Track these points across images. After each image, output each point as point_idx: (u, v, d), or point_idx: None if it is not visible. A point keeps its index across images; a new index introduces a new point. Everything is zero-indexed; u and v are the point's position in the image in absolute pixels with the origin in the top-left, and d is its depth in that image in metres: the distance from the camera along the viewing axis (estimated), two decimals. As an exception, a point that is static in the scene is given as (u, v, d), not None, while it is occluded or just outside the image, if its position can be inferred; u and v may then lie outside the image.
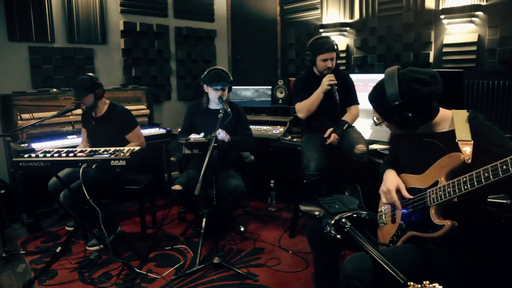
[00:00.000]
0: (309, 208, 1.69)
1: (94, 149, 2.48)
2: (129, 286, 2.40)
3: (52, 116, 2.95)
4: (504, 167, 1.21)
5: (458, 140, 1.44)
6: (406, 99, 1.46)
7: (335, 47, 2.80)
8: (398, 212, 1.63)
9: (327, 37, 2.90)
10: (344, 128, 2.78)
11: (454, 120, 1.51)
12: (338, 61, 2.92)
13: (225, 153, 2.83)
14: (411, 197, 1.56)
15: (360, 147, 2.63)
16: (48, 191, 2.88)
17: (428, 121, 1.54)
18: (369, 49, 3.93)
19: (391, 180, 1.64)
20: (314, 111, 2.87)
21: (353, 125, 2.91)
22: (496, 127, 1.46)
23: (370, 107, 1.70)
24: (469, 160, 1.39)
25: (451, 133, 1.48)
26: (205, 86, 2.96)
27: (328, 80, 2.75)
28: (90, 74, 2.91)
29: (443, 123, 1.55)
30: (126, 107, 3.05)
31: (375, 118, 1.65)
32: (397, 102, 1.47)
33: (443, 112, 1.56)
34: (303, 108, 2.91)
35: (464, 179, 1.34)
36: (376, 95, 1.60)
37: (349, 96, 2.93)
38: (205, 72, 2.98)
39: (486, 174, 1.26)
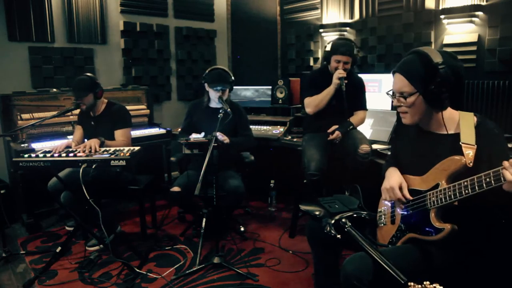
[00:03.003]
0: (309, 207, 1.69)
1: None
2: (129, 286, 2.40)
3: (52, 116, 2.94)
4: None
5: (462, 143, 1.43)
6: (449, 66, 1.44)
7: (352, 52, 2.76)
8: (398, 213, 1.62)
9: (350, 41, 2.85)
10: (349, 129, 2.78)
11: (460, 122, 1.49)
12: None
13: (225, 153, 2.83)
14: (411, 198, 1.56)
15: (364, 147, 2.63)
16: (48, 191, 2.88)
17: (445, 106, 1.49)
18: (369, 49, 3.93)
19: (394, 177, 1.64)
20: (322, 108, 2.84)
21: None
22: (502, 136, 1.45)
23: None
24: (471, 164, 1.38)
25: (456, 137, 1.47)
26: (206, 85, 2.97)
27: (338, 74, 2.73)
28: (89, 74, 2.92)
29: (449, 124, 1.52)
30: (126, 107, 3.05)
31: (391, 92, 1.57)
32: (443, 66, 1.42)
33: (451, 112, 1.54)
34: (311, 103, 2.87)
35: (465, 183, 1.33)
36: (416, 62, 1.49)
37: (358, 100, 2.92)
38: (207, 71, 2.99)
39: (487, 179, 1.25)
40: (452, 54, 1.52)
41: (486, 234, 1.55)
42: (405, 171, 1.65)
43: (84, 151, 2.48)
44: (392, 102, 1.59)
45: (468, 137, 1.44)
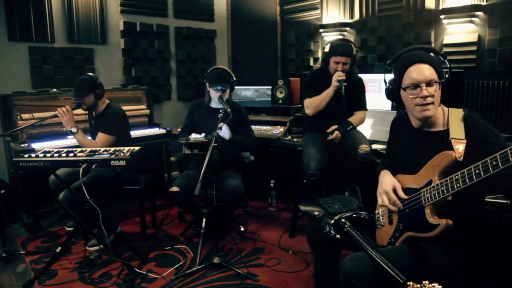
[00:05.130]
0: (309, 208, 1.69)
1: (94, 149, 2.48)
2: (129, 286, 2.40)
3: (52, 116, 2.95)
4: (494, 163, 1.21)
5: (451, 138, 1.45)
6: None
7: (351, 52, 2.75)
8: (395, 214, 1.63)
9: (348, 42, 2.84)
10: (348, 129, 2.78)
11: (449, 118, 1.52)
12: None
13: (225, 153, 2.83)
14: (406, 197, 1.57)
15: (364, 147, 2.63)
16: (49, 185, 2.88)
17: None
18: (369, 49, 3.93)
19: (386, 181, 1.66)
20: (322, 110, 2.85)
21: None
22: (491, 126, 1.47)
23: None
24: (461, 158, 1.39)
25: (447, 133, 1.49)
26: (207, 84, 2.97)
27: (337, 76, 2.73)
28: (90, 74, 2.92)
29: (439, 121, 1.55)
30: (126, 107, 3.05)
31: (414, 85, 1.51)
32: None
33: (441, 109, 1.57)
34: (311, 104, 2.88)
35: (456, 177, 1.34)
36: (430, 53, 1.57)
37: (357, 100, 2.92)
38: (208, 71, 3.00)
39: (477, 171, 1.26)
40: None
41: (484, 231, 1.56)
42: (400, 170, 1.67)
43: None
44: (416, 95, 1.51)
45: (457, 132, 1.46)
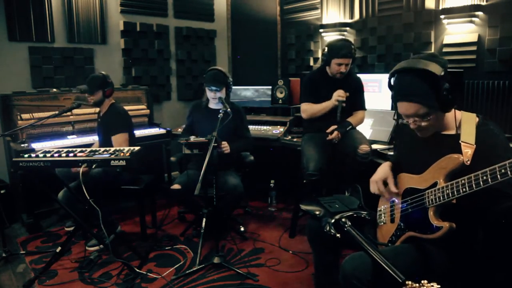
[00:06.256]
0: (310, 207, 1.69)
1: (94, 149, 2.48)
2: (129, 286, 2.40)
3: (52, 116, 2.95)
4: (503, 170, 1.20)
5: (461, 141, 1.43)
6: (445, 69, 1.43)
7: (352, 53, 2.76)
8: (397, 212, 1.63)
9: (348, 42, 2.83)
10: (348, 129, 2.78)
11: (462, 122, 1.49)
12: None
13: (225, 154, 2.83)
14: (396, 190, 1.60)
15: (364, 147, 2.63)
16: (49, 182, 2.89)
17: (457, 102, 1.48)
18: (369, 49, 3.93)
19: (380, 171, 1.68)
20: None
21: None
22: (504, 137, 1.45)
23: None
24: (468, 162, 1.38)
25: (457, 136, 1.47)
26: (205, 85, 2.99)
27: (337, 95, 2.73)
28: (103, 72, 2.98)
29: (450, 125, 1.53)
30: (126, 107, 3.05)
31: (399, 117, 1.50)
32: (443, 72, 1.40)
33: (453, 112, 1.53)
34: (307, 111, 2.93)
35: (463, 181, 1.33)
36: (417, 81, 1.43)
37: (357, 101, 2.92)
38: (207, 71, 3.02)
39: (484, 177, 1.25)
40: (432, 54, 1.50)
41: (484, 232, 1.55)
42: (405, 169, 1.66)
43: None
44: (407, 122, 1.51)
45: (468, 136, 1.44)
